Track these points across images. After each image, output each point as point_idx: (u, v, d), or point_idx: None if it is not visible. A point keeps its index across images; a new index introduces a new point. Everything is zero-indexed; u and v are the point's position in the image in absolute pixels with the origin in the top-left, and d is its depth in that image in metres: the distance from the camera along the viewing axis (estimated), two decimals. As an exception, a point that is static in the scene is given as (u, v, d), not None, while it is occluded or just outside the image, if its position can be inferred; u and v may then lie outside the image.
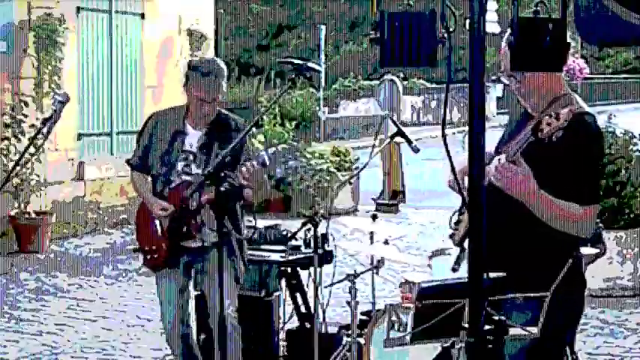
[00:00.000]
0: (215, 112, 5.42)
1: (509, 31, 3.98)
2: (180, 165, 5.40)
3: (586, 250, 5.86)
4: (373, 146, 6.10)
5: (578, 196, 3.86)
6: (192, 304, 5.83)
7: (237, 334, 5.49)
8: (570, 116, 3.52)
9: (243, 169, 4.90)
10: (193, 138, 5.43)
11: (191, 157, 5.39)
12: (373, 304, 6.10)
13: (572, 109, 3.57)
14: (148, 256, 5.51)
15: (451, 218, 4.27)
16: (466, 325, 3.06)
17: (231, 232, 5.23)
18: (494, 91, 30.28)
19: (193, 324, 5.95)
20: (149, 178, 5.55)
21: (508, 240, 3.84)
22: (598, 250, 6.20)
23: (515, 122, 4.18)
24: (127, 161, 5.67)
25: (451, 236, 4.31)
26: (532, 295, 3.61)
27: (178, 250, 5.43)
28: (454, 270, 4.47)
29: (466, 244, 4.31)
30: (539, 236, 3.92)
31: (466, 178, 3.69)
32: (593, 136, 3.97)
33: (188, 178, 5.35)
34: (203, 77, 5.31)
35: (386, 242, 5.94)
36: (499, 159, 3.79)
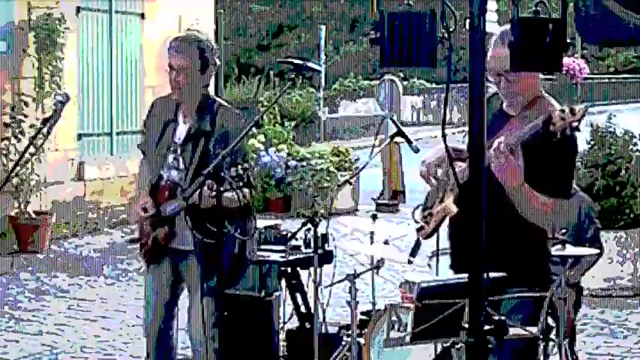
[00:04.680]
0: (198, 98, 5.17)
1: (499, 31, 4.07)
2: (170, 157, 5.22)
3: (586, 251, 5.87)
4: (373, 146, 6.09)
5: (556, 190, 3.99)
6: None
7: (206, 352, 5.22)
8: (585, 111, 3.58)
9: (205, 189, 4.78)
10: (182, 130, 5.23)
11: (179, 151, 5.20)
12: (373, 304, 6.10)
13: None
14: (142, 249, 5.41)
15: (414, 212, 4.32)
16: (466, 325, 3.06)
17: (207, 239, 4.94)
18: (494, 91, 30.24)
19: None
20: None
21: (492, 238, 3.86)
22: (598, 251, 6.20)
23: (490, 121, 4.23)
24: (139, 146, 5.55)
25: (419, 230, 4.34)
26: (529, 295, 3.63)
27: (164, 249, 5.26)
28: (409, 262, 4.58)
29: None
30: (521, 233, 4.01)
31: (439, 170, 4.02)
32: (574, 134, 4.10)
33: (175, 173, 5.20)
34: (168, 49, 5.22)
35: (386, 242, 5.93)
36: (499, 142, 3.83)
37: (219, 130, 5.10)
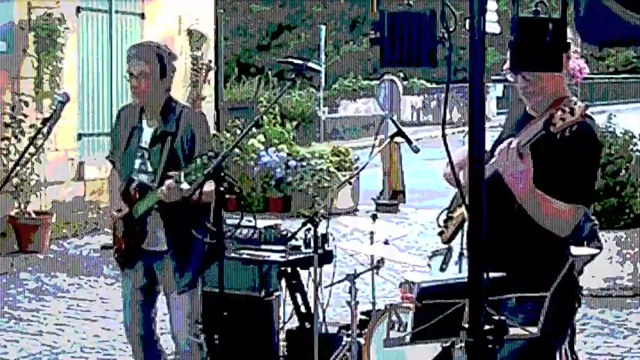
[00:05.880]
0: (160, 102, 5.26)
1: None
2: (137, 162, 5.30)
3: (586, 250, 5.86)
4: (373, 146, 6.11)
5: (570, 195, 3.85)
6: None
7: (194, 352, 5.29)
8: (584, 111, 3.51)
9: (165, 187, 4.94)
10: (147, 134, 5.31)
11: (146, 155, 5.28)
12: (373, 304, 6.10)
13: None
14: (115, 255, 5.51)
15: (439, 217, 4.29)
16: (466, 325, 3.06)
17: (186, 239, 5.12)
18: (494, 91, 30.29)
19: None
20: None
21: (501, 239, 3.81)
22: (598, 250, 6.19)
23: (515, 123, 4.16)
24: (107, 157, 5.63)
25: (440, 234, 4.31)
26: (529, 295, 3.61)
27: (136, 251, 5.35)
28: (442, 270, 4.50)
29: (454, 243, 4.35)
30: (531, 235, 3.92)
31: (461, 172, 3.73)
32: (596, 137, 3.99)
33: (144, 176, 5.26)
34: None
35: (386, 242, 5.94)
36: (507, 142, 3.75)
37: (184, 131, 5.19)
